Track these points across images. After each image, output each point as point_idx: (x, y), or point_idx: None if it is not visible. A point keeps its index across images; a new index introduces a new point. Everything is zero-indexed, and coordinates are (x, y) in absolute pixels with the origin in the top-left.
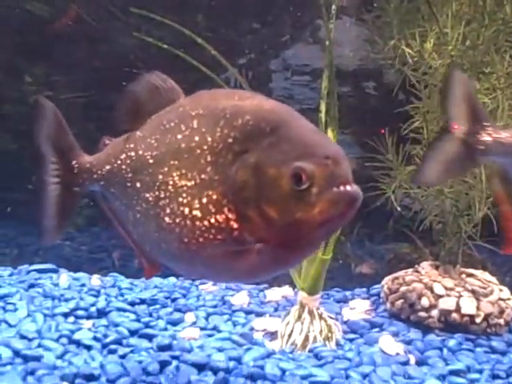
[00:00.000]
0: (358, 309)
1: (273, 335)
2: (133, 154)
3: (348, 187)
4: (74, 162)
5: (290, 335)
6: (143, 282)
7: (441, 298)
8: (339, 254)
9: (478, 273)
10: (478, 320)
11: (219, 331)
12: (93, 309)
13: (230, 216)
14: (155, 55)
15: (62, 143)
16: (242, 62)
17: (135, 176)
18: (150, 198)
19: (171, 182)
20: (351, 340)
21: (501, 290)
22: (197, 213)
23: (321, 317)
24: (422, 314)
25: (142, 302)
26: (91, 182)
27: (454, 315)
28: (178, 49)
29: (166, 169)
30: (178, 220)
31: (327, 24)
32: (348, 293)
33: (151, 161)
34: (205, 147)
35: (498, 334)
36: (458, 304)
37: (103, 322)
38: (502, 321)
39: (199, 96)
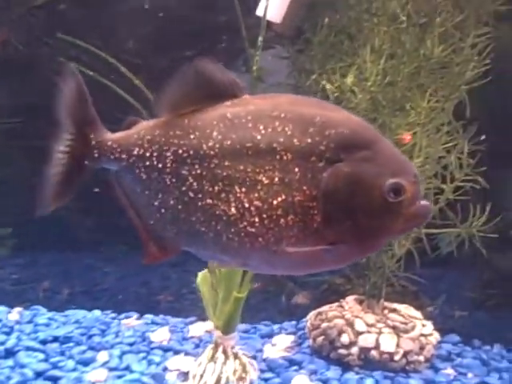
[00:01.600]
0: (280, 345)
1: (186, 375)
2: (182, 142)
3: (425, 202)
4: (92, 135)
5: (201, 376)
6: (65, 315)
7: (361, 335)
8: (273, 285)
9: (402, 307)
10: (396, 357)
11: (131, 371)
12: (1, 348)
13: (316, 217)
14: (85, 81)
15: (82, 114)
16: None
17: (183, 165)
18: (207, 189)
19: (242, 177)
20: (267, 380)
21: (423, 326)
22: (278, 210)
23: (236, 356)
24: (342, 351)
25: (55, 339)
26: (109, 160)
27: (373, 352)
28: (109, 75)
29: (234, 163)
30: (247, 214)
31: (250, 56)
32: (276, 326)
33: (212, 152)
34: (292, 150)
35: (417, 371)
36: (377, 341)
37: (9, 362)
38: (421, 357)
39: (274, 98)
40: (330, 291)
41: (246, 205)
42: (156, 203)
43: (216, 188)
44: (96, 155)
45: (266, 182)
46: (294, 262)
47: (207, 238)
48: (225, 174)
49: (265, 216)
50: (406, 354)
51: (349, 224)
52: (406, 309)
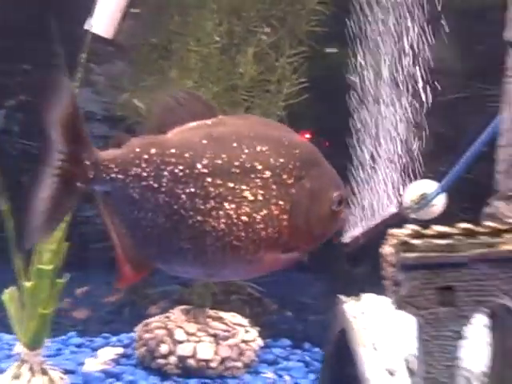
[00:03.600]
0: (102, 358)
1: None
2: (178, 160)
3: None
4: (84, 155)
5: None
6: None
7: (180, 344)
8: (125, 297)
9: (228, 315)
10: (213, 364)
11: None
12: None
13: (286, 229)
14: None
15: (75, 132)
16: (12, 103)
17: (178, 184)
18: (199, 206)
19: (232, 194)
20: None
21: (247, 332)
22: (261, 223)
23: (44, 372)
24: (161, 360)
25: None
26: (103, 181)
27: (191, 361)
28: None
29: (225, 181)
30: (235, 229)
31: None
32: (114, 338)
33: (205, 170)
34: (270, 168)
35: (234, 377)
36: (195, 349)
37: None
38: (239, 363)
39: (246, 119)
40: (179, 301)
41: (235, 220)
42: (144, 222)
43: (208, 205)
44: (90, 176)
45: (251, 198)
46: (259, 268)
47: (189, 254)
48: (217, 191)
49: (250, 230)
50: (223, 361)
51: (306, 232)
52: (232, 317)
